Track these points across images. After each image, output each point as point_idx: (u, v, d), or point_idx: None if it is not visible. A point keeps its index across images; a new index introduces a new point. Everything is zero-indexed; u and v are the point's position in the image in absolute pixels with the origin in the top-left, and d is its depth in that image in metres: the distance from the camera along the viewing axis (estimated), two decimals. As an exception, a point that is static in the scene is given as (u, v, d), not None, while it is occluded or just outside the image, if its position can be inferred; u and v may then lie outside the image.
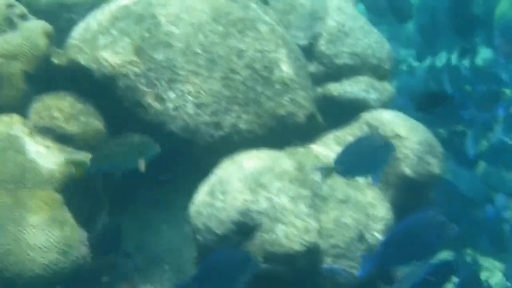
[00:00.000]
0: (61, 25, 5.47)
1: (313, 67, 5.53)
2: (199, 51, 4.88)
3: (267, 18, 5.14)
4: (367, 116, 5.11)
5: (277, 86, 4.95)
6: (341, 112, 5.36)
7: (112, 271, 4.97)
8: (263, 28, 5.08)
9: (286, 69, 5.01)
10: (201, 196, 4.64)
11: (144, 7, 5.06)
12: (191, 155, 4.91)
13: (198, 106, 4.84)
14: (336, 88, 5.45)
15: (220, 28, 4.96)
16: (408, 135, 4.93)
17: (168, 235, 4.94)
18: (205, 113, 4.85)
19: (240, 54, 4.94)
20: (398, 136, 4.92)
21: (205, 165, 4.78)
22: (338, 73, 5.51)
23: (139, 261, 4.98)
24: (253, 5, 5.19)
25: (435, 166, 4.95)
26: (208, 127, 4.85)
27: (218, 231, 4.48)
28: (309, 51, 5.54)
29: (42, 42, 4.88)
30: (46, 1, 5.73)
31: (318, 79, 5.53)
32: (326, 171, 4.41)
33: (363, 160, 4.36)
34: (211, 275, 4.13)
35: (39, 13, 5.54)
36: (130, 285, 4.83)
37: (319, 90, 5.49)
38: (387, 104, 5.45)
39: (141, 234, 5.05)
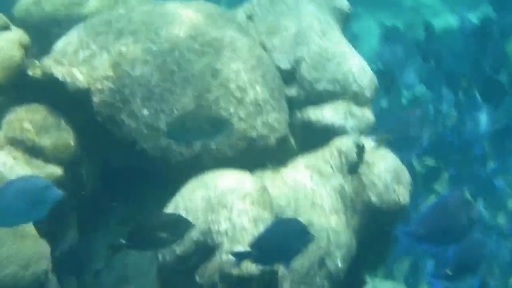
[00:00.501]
0: (52, 39, 5.42)
1: (294, 91, 5.47)
2: (174, 68, 4.83)
3: (245, 40, 5.07)
4: (338, 142, 5.07)
5: (250, 108, 4.89)
6: (319, 137, 5.31)
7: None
8: (241, 49, 5.03)
9: (259, 90, 4.94)
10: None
11: (125, 24, 5.05)
12: (163, 173, 4.88)
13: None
14: (314, 114, 5.39)
15: (197, 46, 4.91)
16: (376, 162, 4.91)
17: (136, 255, 4.86)
18: (177, 131, 4.77)
19: (214, 73, 4.87)
20: (366, 162, 4.87)
21: (176, 183, 4.72)
22: (318, 98, 5.43)
23: (108, 279, 4.96)
24: (233, 26, 5.15)
25: (401, 195, 4.90)
26: (180, 145, 4.78)
27: (178, 251, 4.46)
28: (291, 75, 5.47)
29: (18, 53, 4.87)
30: (40, 14, 5.77)
31: (298, 104, 5.46)
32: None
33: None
34: (268, 244, 4.10)
35: (32, 28, 5.58)
36: None
37: (298, 114, 5.42)
38: (365, 131, 5.34)
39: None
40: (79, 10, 5.75)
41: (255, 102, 4.94)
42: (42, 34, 5.49)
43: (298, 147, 5.33)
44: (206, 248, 4.43)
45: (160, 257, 4.52)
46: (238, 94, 4.90)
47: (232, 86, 4.91)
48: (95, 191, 4.99)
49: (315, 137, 5.32)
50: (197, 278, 4.43)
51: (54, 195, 3.86)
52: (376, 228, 4.93)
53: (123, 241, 4.28)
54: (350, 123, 5.35)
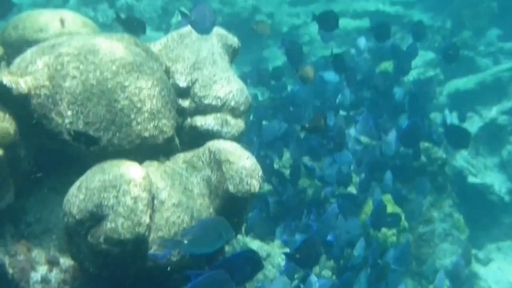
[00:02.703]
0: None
1: (187, 103, 5.33)
2: (94, 83, 4.66)
3: (151, 64, 4.90)
4: (210, 143, 4.89)
5: (146, 115, 4.73)
6: (201, 138, 5.16)
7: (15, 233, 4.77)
8: (146, 71, 4.85)
9: (155, 102, 4.78)
10: (73, 188, 4.45)
11: (64, 48, 4.85)
12: (79, 157, 4.72)
13: (86, 123, 4.64)
14: (199, 120, 5.25)
15: (114, 68, 4.72)
16: (235, 161, 4.72)
17: (59, 213, 4.67)
18: (90, 129, 4.65)
19: (123, 88, 4.69)
20: (227, 160, 4.71)
21: (90, 165, 4.58)
22: (204, 109, 5.29)
23: (36, 229, 4.79)
24: (143, 54, 4.96)
25: (253, 186, 4.72)
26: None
27: (77, 216, 4.31)
28: (187, 91, 5.34)
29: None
30: (16, 36, 5.58)
31: (190, 113, 5.32)
32: None
33: None
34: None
35: (10, 45, 5.50)
36: (26, 246, 4.62)
37: (189, 120, 5.29)
38: (237, 137, 5.23)
39: (40, 210, 4.85)
40: (44, 35, 5.53)
41: (150, 111, 4.76)
42: (18, 50, 5.19)
43: (187, 145, 5.16)
44: (97, 217, 4.29)
45: (65, 219, 4.38)
46: (138, 104, 4.73)
47: (135, 98, 4.73)
48: (31, 166, 4.81)
49: (199, 138, 5.18)
50: (89, 238, 4.30)
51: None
52: (234, 209, 4.78)
53: None
54: (224, 129, 5.24)
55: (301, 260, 5.45)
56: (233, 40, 5.63)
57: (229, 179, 4.64)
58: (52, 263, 4.65)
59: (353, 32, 12.38)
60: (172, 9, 12.17)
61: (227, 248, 5.49)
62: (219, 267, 4.09)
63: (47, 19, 5.67)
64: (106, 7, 11.46)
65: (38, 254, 4.68)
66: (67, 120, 4.61)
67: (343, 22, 12.20)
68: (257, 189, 4.71)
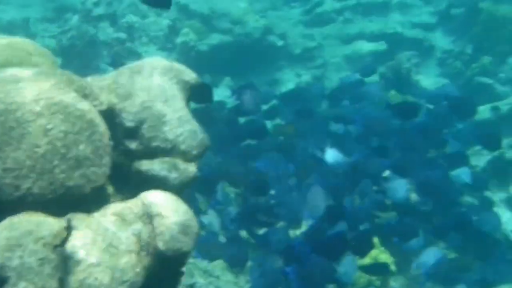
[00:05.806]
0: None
1: (134, 145, 4.79)
2: (14, 125, 4.10)
3: (80, 105, 4.31)
4: (143, 194, 4.30)
5: (71, 162, 4.15)
6: (147, 184, 4.60)
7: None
8: (73, 113, 4.27)
9: (82, 148, 4.21)
10: (-18, 245, 3.85)
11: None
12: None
13: (4, 170, 4.10)
14: (145, 165, 4.71)
15: (37, 109, 4.16)
16: (168, 215, 4.16)
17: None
18: (8, 176, 4.09)
19: (46, 132, 4.12)
20: (159, 215, 4.13)
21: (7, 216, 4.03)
22: (153, 152, 4.73)
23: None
24: (73, 94, 4.35)
25: (184, 244, 4.16)
26: (10, 187, 4.09)
27: (-21, 278, 3.71)
28: (134, 132, 4.76)
29: None
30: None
31: (137, 155, 4.77)
32: None
33: None
34: None
35: None
36: None
37: (135, 164, 4.72)
38: (187, 183, 4.62)
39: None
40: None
41: (76, 158, 4.19)
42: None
43: (135, 191, 4.51)
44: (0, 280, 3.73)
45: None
46: (62, 150, 4.15)
47: (58, 143, 4.17)
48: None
49: (146, 183, 4.63)
50: (-6, 302, 3.72)
51: None
52: (166, 269, 4.23)
53: None
54: (173, 175, 4.68)
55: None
56: (191, 76, 5.02)
57: (159, 235, 4.06)
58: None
59: (368, 56, 11.68)
60: (180, 27, 11.65)
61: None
62: None
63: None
64: (107, 25, 10.99)
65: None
66: (-16, 166, 4.02)
67: (359, 45, 11.58)
68: (189, 248, 4.16)
